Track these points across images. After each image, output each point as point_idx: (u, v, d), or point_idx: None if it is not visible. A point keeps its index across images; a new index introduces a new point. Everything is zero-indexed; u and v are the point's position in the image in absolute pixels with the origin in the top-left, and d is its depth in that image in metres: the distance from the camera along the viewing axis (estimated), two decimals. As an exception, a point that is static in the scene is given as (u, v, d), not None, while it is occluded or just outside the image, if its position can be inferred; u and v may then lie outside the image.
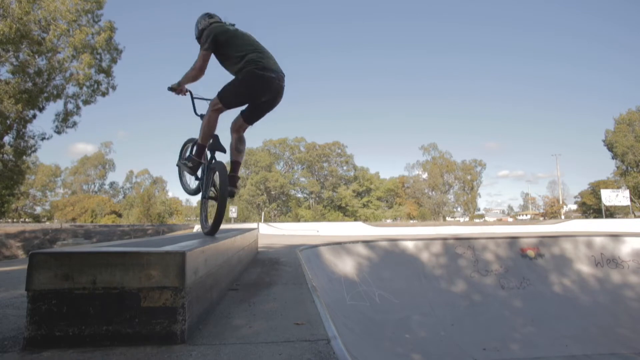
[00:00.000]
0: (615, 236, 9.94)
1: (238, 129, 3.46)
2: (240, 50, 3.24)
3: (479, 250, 9.09)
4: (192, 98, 3.59)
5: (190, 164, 3.40)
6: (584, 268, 9.21)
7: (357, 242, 8.98)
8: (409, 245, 9.08)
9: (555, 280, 8.80)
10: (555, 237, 10.00)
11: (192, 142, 3.64)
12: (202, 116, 3.46)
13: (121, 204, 57.43)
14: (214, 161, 3.44)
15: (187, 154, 3.65)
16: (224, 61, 3.36)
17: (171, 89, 3.44)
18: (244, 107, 3.39)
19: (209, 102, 3.44)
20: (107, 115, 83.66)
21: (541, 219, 53.18)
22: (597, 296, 8.43)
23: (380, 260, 8.55)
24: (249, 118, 3.42)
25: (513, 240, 9.61)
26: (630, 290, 8.65)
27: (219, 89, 3.27)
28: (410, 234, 15.12)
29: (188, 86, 3.55)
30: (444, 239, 9.54)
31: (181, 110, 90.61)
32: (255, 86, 3.18)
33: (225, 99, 3.23)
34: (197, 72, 3.31)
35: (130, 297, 1.68)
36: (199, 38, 3.48)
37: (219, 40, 3.27)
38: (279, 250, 6.98)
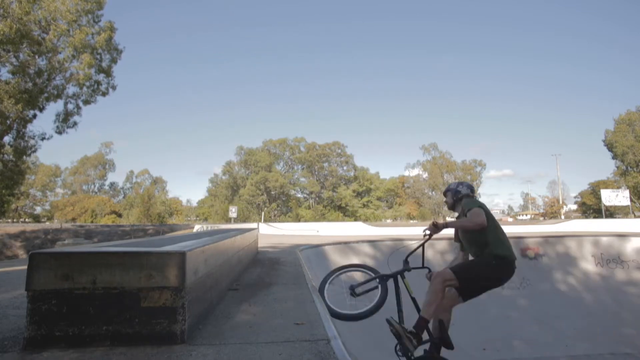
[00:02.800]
0: (616, 236, 9.94)
1: (450, 306, 3.21)
2: (499, 233, 3.17)
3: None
4: (424, 242, 3.49)
5: (415, 342, 2.91)
6: (584, 268, 9.20)
7: (358, 242, 8.99)
8: (409, 245, 9.08)
9: (555, 280, 8.80)
10: (555, 237, 10.00)
11: (371, 272, 3.51)
12: (407, 262, 3.43)
13: (121, 204, 57.40)
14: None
15: (366, 286, 3.49)
16: (478, 236, 3.17)
17: (435, 224, 3.16)
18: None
19: (423, 266, 3.37)
20: (107, 115, 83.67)
21: (541, 219, 53.17)
22: (597, 296, 8.42)
23: (380, 260, 8.55)
24: (468, 297, 3.18)
25: (513, 240, 9.59)
26: (632, 289, 8.64)
27: (456, 266, 3.14)
28: (410, 234, 15.11)
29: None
30: (444, 239, 9.53)
31: (181, 110, 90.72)
32: (505, 274, 3.08)
33: (466, 279, 3.03)
34: (476, 225, 3.06)
35: (130, 297, 1.68)
36: (452, 192, 3.57)
37: (488, 214, 3.18)
38: (279, 250, 6.97)
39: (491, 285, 3.13)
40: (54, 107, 38.00)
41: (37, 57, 16.64)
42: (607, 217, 38.79)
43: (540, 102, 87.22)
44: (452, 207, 3.57)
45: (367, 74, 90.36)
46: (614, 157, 46.78)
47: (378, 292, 3.36)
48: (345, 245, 8.56)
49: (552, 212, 55.00)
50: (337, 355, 1.63)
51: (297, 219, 51.94)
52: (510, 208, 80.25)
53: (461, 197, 3.50)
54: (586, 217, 47.71)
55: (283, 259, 5.46)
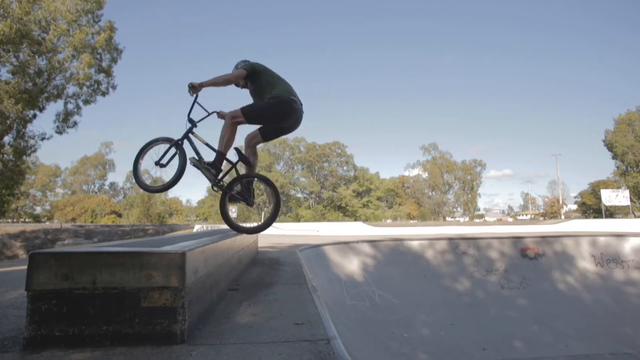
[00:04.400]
0: (616, 236, 9.94)
1: (253, 144, 3.84)
2: (272, 79, 3.75)
3: (479, 250, 9.09)
4: (195, 101, 3.74)
5: (213, 171, 3.60)
6: (584, 268, 9.21)
7: (358, 242, 8.99)
8: (409, 245, 9.08)
9: (555, 280, 8.80)
10: (555, 237, 10.00)
11: (166, 142, 3.76)
12: (191, 120, 3.74)
13: (121, 204, 57.43)
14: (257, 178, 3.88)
15: (167, 156, 3.74)
16: (255, 86, 3.79)
17: (192, 85, 3.56)
18: (262, 125, 3.77)
19: (209, 113, 3.79)
20: (107, 115, 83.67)
21: (541, 219, 53.17)
22: (597, 296, 8.43)
23: (380, 260, 8.55)
24: (267, 136, 3.83)
25: (513, 240, 9.60)
26: (632, 289, 8.65)
27: (243, 105, 3.64)
28: (410, 234, 15.12)
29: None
30: (444, 239, 9.54)
31: (180, 110, 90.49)
32: (284, 111, 3.63)
33: (250, 115, 3.61)
34: (224, 81, 3.68)
35: (130, 297, 1.68)
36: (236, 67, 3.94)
37: (256, 68, 3.77)
38: (278, 250, 6.97)
39: (277, 121, 3.70)
40: (54, 107, 37.95)
41: (37, 57, 16.64)
42: (607, 217, 38.81)
43: (540, 102, 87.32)
44: (244, 85, 3.93)
45: (367, 74, 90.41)
46: (614, 157, 46.80)
47: (178, 155, 3.67)
48: (346, 245, 8.56)
49: (552, 212, 55.02)
50: (337, 355, 1.63)
51: (297, 219, 51.94)
52: (510, 208, 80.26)
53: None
54: (586, 217, 47.72)
55: (283, 259, 5.46)
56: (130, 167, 3.88)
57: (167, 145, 3.72)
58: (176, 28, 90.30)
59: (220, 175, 3.71)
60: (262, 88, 3.72)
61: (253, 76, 3.75)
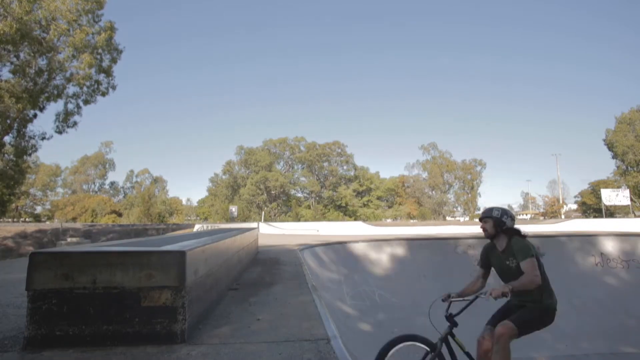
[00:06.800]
0: (616, 235, 9.93)
1: (508, 340, 3.08)
2: (548, 280, 3.14)
3: (479, 249, 9.07)
4: (473, 301, 3.10)
5: None
6: (584, 267, 9.20)
7: (357, 241, 8.98)
8: (409, 245, 9.07)
9: (555, 280, 8.79)
10: (555, 237, 9.99)
11: (420, 341, 3.01)
12: (451, 317, 3.08)
13: (121, 204, 57.41)
14: None
15: None
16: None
17: (503, 293, 2.85)
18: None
19: (473, 299, 3.10)
20: (108, 115, 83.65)
21: (541, 218, 53.14)
22: (597, 295, 8.42)
23: (380, 259, 8.54)
24: (523, 333, 3.08)
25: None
26: (632, 288, 8.64)
27: (515, 318, 3.01)
28: (411, 234, 15.11)
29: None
30: (445, 238, 9.53)
31: (181, 109, 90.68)
32: (550, 323, 3.14)
33: (526, 329, 3.03)
34: (536, 284, 2.98)
35: (131, 296, 1.68)
36: (494, 220, 3.24)
37: (540, 261, 3.10)
38: (279, 250, 6.96)
39: (535, 330, 3.15)
40: (54, 107, 38.06)
41: (37, 56, 16.63)
42: (607, 216, 38.77)
43: (540, 102, 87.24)
44: (491, 237, 3.32)
45: (367, 74, 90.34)
46: (614, 156, 46.75)
47: None
48: (346, 244, 8.56)
49: (552, 212, 54.98)
50: (337, 355, 1.64)
51: (297, 218, 51.92)
52: (510, 207, 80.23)
53: (506, 229, 3.24)
54: (586, 217, 47.70)
55: (283, 259, 5.47)
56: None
57: (421, 347, 2.95)
58: (176, 29, 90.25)
59: None
60: (539, 288, 3.05)
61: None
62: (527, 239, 3.16)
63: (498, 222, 3.22)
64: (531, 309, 3.13)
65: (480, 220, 3.32)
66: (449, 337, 3.03)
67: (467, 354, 3.01)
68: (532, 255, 3.03)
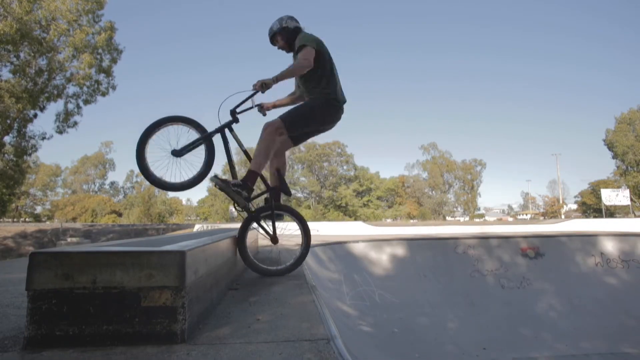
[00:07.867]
0: (616, 235, 9.94)
1: (283, 151, 3.17)
2: (332, 73, 3.02)
3: (479, 249, 9.08)
4: (252, 96, 3.04)
5: (245, 193, 2.87)
6: (584, 267, 9.20)
7: (357, 241, 8.99)
8: (409, 245, 9.07)
9: (556, 280, 8.79)
10: (555, 237, 10.00)
11: (191, 126, 3.00)
12: (234, 113, 3.04)
13: (121, 204, 57.47)
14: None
15: (187, 144, 2.97)
16: (310, 75, 3.01)
17: (264, 83, 2.81)
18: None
19: (253, 105, 3.10)
20: (108, 115, 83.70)
21: (541, 218, 53.16)
22: (597, 295, 8.42)
23: (380, 259, 8.55)
24: (298, 141, 3.21)
25: (513, 239, 9.60)
26: (632, 288, 8.64)
27: (283, 113, 2.96)
28: (411, 234, 15.12)
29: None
30: (445, 238, 9.54)
31: (180, 109, 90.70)
32: (331, 116, 3.02)
33: (294, 123, 2.95)
34: (304, 68, 2.88)
35: (131, 296, 1.68)
36: (280, 33, 3.16)
37: (322, 51, 2.99)
38: (279, 250, 6.96)
39: (315, 129, 3.11)
40: (55, 107, 37.96)
41: (37, 56, 16.65)
42: (607, 216, 38.82)
43: (540, 102, 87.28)
44: (289, 48, 3.18)
45: (367, 74, 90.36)
46: (614, 156, 46.78)
47: (205, 151, 2.93)
48: (346, 244, 8.56)
49: (552, 212, 55.01)
50: (337, 355, 1.63)
51: (297, 218, 51.88)
52: (510, 207, 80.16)
53: (294, 29, 3.12)
54: (586, 217, 47.75)
55: (283, 259, 5.47)
56: (135, 160, 2.89)
57: (192, 132, 2.96)
58: (176, 29, 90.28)
59: (252, 195, 3.01)
60: (317, 78, 2.98)
61: (315, 61, 2.94)
62: (314, 35, 3.09)
63: (284, 31, 3.12)
64: (305, 104, 3.08)
65: (273, 40, 3.21)
66: (227, 130, 3.04)
67: (245, 152, 3.11)
68: (312, 40, 2.96)
